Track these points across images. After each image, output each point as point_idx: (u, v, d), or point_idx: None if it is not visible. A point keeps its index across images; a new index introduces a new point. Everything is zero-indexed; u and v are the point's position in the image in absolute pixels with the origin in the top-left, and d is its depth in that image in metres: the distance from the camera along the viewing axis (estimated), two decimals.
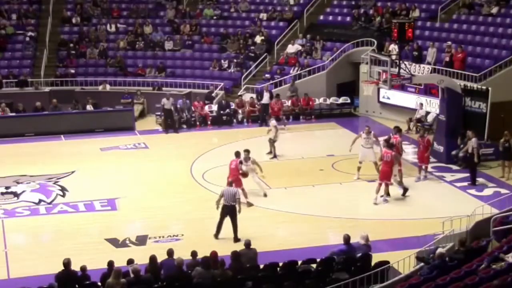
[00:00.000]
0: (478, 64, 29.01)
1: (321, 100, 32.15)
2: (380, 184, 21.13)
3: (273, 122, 26.06)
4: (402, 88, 29.30)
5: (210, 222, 19.67)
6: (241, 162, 20.98)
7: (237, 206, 18.46)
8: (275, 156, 25.43)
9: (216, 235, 18.52)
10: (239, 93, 32.42)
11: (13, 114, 30.41)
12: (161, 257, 15.21)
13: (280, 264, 15.27)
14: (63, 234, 19.23)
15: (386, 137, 23.25)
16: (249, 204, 20.66)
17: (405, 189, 21.63)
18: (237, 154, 21.25)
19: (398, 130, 23.53)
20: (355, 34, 33.65)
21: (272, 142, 25.53)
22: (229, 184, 19.15)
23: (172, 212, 20.72)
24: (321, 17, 36.25)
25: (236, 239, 18.22)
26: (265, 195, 21.62)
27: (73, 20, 37.33)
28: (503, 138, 23.07)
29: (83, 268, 14.73)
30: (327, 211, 20.50)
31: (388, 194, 21.32)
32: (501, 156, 23.42)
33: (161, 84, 33.45)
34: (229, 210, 18.45)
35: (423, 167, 23.20)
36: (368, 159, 22.98)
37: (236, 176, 20.59)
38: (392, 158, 21.05)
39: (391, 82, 24.00)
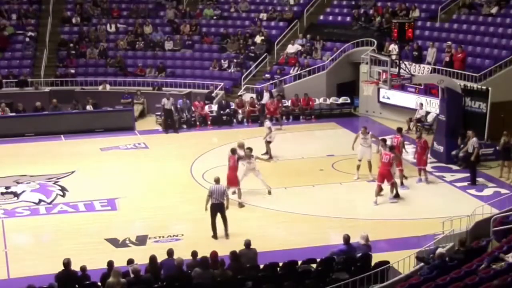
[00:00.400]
0: (478, 64, 29.00)
1: (321, 100, 32.14)
2: (379, 186, 21.15)
3: (267, 123, 26.01)
4: (402, 88, 29.30)
5: (210, 222, 19.70)
6: (238, 159, 21.01)
7: (225, 202, 18.55)
8: (271, 157, 25.38)
9: (215, 236, 18.54)
10: (239, 93, 32.43)
11: (13, 114, 30.41)
12: (161, 257, 15.22)
13: (280, 264, 15.27)
14: (63, 234, 19.24)
15: (386, 137, 23.23)
16: (241, 205, 20.70)
17: (397, 195, 21.47)
18: (233, 151, 21.24)
19: (398, 130, 23.57)
20: (355, 34, 33.65)
21: (267, 143, 25.51)
22: (216, 181, 18.97)
23: (172, 212, 20.72)
24: (321, 17, 36.25)
25: (227, 235, 18.48)
26: (269, 192, 21.69)
27: (73, 20, 37.34)
28: (503, 138, 23.09)
29: (83, 268, 14.74)
30: (327, 211, 20.50)
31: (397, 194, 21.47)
32: (501, 156, 23.43)
33: (161, 84, 33.45)
34: (219, 208, 18.54)
35: (422, 169, 22.95)
36: (366, 158, 22.99)
37: (234, 175, 20.69)
38: (390, 160, 21.06)
39: (391, 82, 23.99)
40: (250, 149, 21.73)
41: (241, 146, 22.03)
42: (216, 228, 18.59)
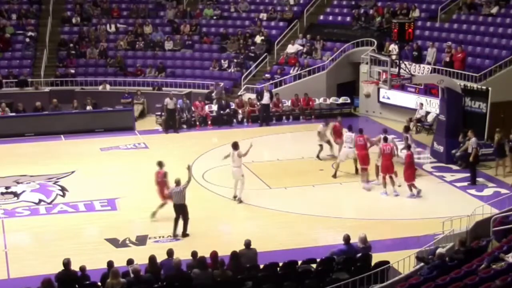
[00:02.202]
0: (478, 64, 29.00)
1: (321, 100, 32.15)
2: (384, 178, 21.44)
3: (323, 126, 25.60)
4: (402, 88, 29.31)
5: (210, 222, 19.77)
6: (165, 175, 20.03)
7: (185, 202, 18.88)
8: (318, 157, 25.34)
9: (174, 234, 18.73)
10: (239, 93, 32.43)
11: (13, 114, 30.42)
12: (161, 257, 15.22)
13: (280, 264, 15.27)
14: (63, 234, 19.23)
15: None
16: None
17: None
18: (160, 164, 20.18)
19: (406, 128, 24.19)
20: (355, 34, 33.66)
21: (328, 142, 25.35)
22: (177, 183, 18.88)
23: (172, 212, 20.61)
24: (321, 17, 36.25)
25: (185, 234, 18.75)
26: (238, 200, 21.28)
27: (73, 20, 37.35)
28: (496, 135, 23.19)
29: (83, 268, 14.74)
30: (327, 211, 20.49)
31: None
32: (496, 153, 23.46)
33: (161, 84, 33.45)
34: (180, 209, 18.82)
35: (409, 185, 21.57)
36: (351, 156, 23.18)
37: (163, 189, 19.90)
38: (392, 151, 21.34)
39: (391, 82, 23.99)
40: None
41: (236, 145, 21.56)
42: (177, 227, 18.78)
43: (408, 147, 22.11)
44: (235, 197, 21.23)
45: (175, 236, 18.74)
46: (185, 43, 35.87)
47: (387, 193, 21.62)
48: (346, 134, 23.33)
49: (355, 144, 22.66)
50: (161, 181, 19.95)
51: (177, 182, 18.93)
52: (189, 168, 19.44)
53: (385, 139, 21.98)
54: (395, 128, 27.44)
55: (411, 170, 21.57)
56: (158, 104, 30.53)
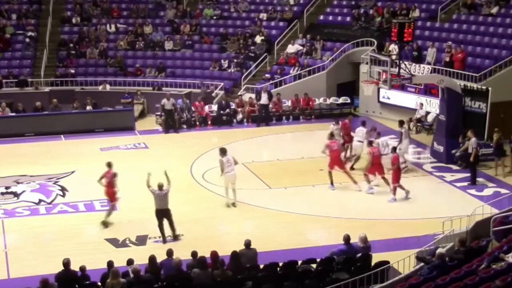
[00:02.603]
0: (478, 64, 28.99)
1: (321, 100, 32.14)
2: (366, 175, 21.77)
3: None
4: (402, 88, 29.31)
5: (210, 222, 19.76)
6: (115, 175, 19.91)
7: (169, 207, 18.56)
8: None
9: (164, 240, 18.37)
10: (239, 93, 32.43)
11: (13, 114, 30.42)
12: (161, 257, 15.22)
13: (280, 264, 15.27)
14: (63, 234, 19.23)
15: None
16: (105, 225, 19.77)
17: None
18: (109, 164, 19.99)
19: (400, 123, 24.22)
20: (355, 34, 33.67)
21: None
22: (160, 187, 18.52)
23: (172, 212, 20.61)
24: (321, 17, 36.25)
25: (175, 238, 18.42)
26: (233, 204, 20.97)
27: (73, 20, 37.35)
28: (495, 135, 23.20)
29: (82, 268, 14.74)
30: (327, 211, 20.50)
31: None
32: (496, 153, 23.47)
33: (161, 84, 33.46)
34: (162, 213, 18.51)
35: (392, 186, 21.30)
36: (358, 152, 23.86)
37: (112, 191, 19.77)
38: (379, 153, 21.66)
39: (391, 82, 23.99)
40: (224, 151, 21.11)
41: (225, 150, 21.29)
42: (164, 232, 18.49)
43: (393, 149, 21.87)
44: (233, 204, 20.99)
45: (165, 240, 18.42)
46: (185, 43, 35.87)
47: (373, 189, 21.75)
48: (358, 128, 24.10)
49: (329, 149, 22.32)
50: (111, 181, 19.80)
51: (160, 187, 18.61)
52: (165, 173, 18.91)
53: (370, 143, 21.95)
54: (395, 128, 27.43)
55: (397, 172, 21.33)
56: (158, 104, 30.54)
